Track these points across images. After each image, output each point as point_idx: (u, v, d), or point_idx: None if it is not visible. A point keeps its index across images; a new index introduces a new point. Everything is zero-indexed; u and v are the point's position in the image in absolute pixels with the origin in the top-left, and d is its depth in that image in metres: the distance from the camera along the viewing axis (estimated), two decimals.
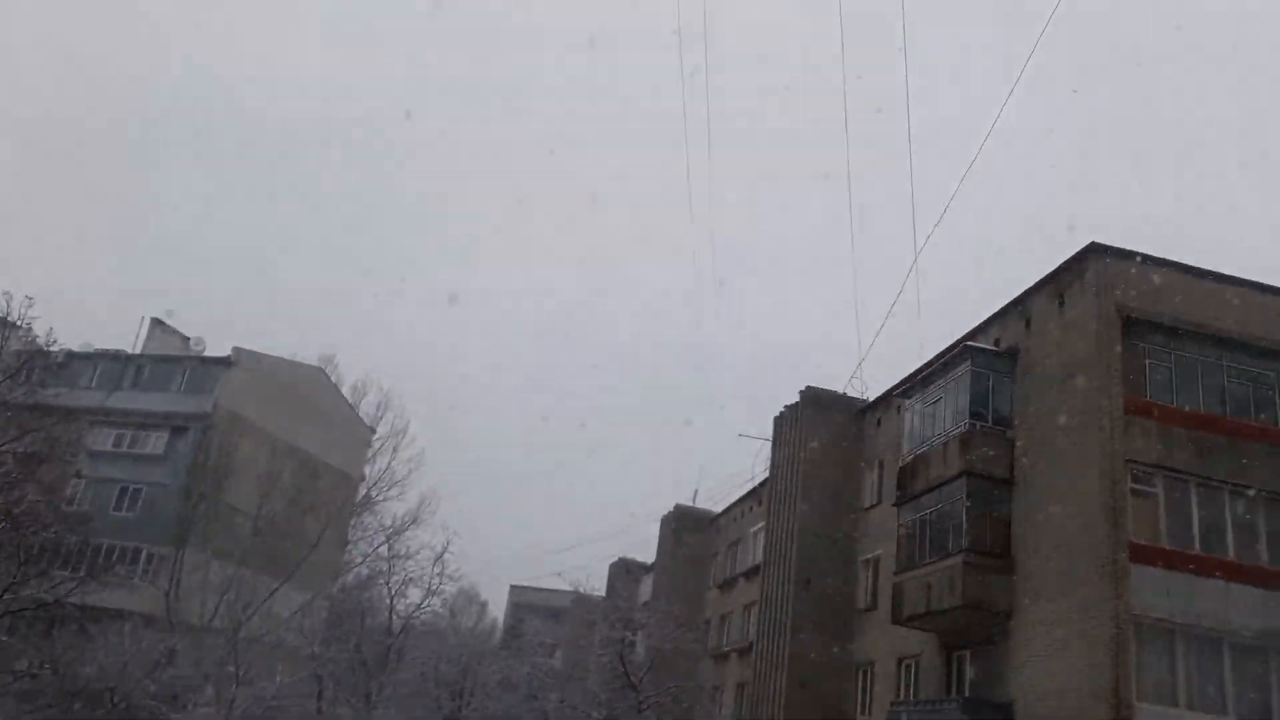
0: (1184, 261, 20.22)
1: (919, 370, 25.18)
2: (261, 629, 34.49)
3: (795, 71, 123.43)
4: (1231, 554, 18.43)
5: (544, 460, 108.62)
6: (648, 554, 47.95)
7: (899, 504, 24.48)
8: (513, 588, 68.53)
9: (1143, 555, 18.07)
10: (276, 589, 37.08)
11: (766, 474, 33.69)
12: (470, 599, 59.12)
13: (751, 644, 32.01)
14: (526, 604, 64.61)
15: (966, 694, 21.30)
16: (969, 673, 21.99)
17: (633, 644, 34.57)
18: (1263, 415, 19.58)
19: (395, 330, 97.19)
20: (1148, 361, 19.64)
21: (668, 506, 45.43)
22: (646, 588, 45.52)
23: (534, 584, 59.49)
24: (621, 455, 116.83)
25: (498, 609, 71.53)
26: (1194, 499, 18.74)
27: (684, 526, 43.66)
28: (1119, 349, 19.32)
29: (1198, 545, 18.45)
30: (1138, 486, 18.65)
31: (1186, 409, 19.33)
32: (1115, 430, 18.77)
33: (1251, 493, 18.80)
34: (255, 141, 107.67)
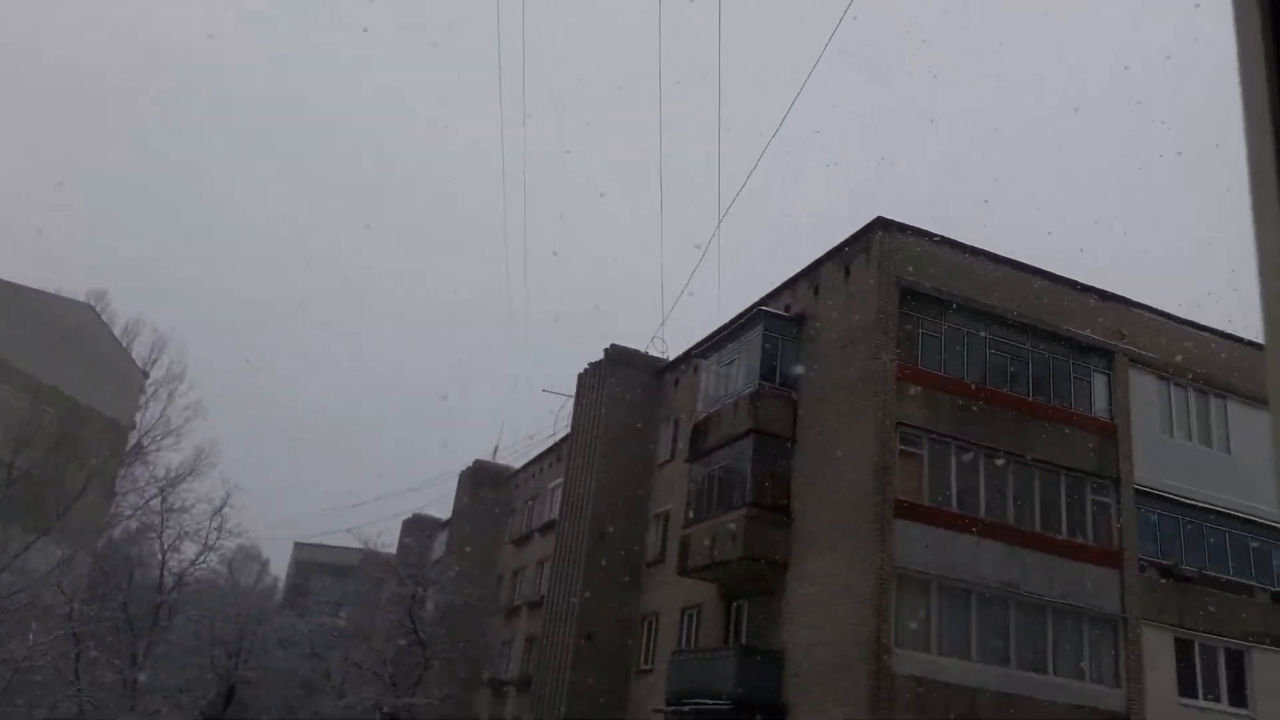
0: (958, 239, 21.65)
1: (716, 332, 25.90)
2: (14, 586, 31.61)
3: (608, 47, 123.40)
4: (983, 512, 20.06)
5: (338, 416, 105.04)
6: (444, 511, 47.41)
7: (691, 460, 25.18)
8: (297, 545, 66.03)
9: (906, 512, 19.38)
10: (32, 543, 34.01)
11: (568, 430, 33.87)
12: (251, 556, 56.43)
13: (543, 598, 32.28)
14: (311, 562, 62.41)
15: (743, 642, 22.29)
16: (747, 622, 23.03)
17: (423, 600, 34.08)
18: (1016, 386, 21.34)
19: (173, 267, 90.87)
20: (921, 331, 20.95)
21: (466, 462, 45.00)
22: (440, 544, 44.95)
23: (322, 541, 57.50)
24: (420, 412, 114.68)
25: (281, 567, 68.85)
26: (954, 461, 20.24)
27: (482, 482, 43.30)
28: (895, 318, 20.52)
29: (955, 504, 19.97)
30: (905, 447, 19.94)
31: (952, 376, 20.79)
32: (888, 394, 19.98)
33: (1001, 458, 20.51)
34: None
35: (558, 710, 27.50)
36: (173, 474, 39.18)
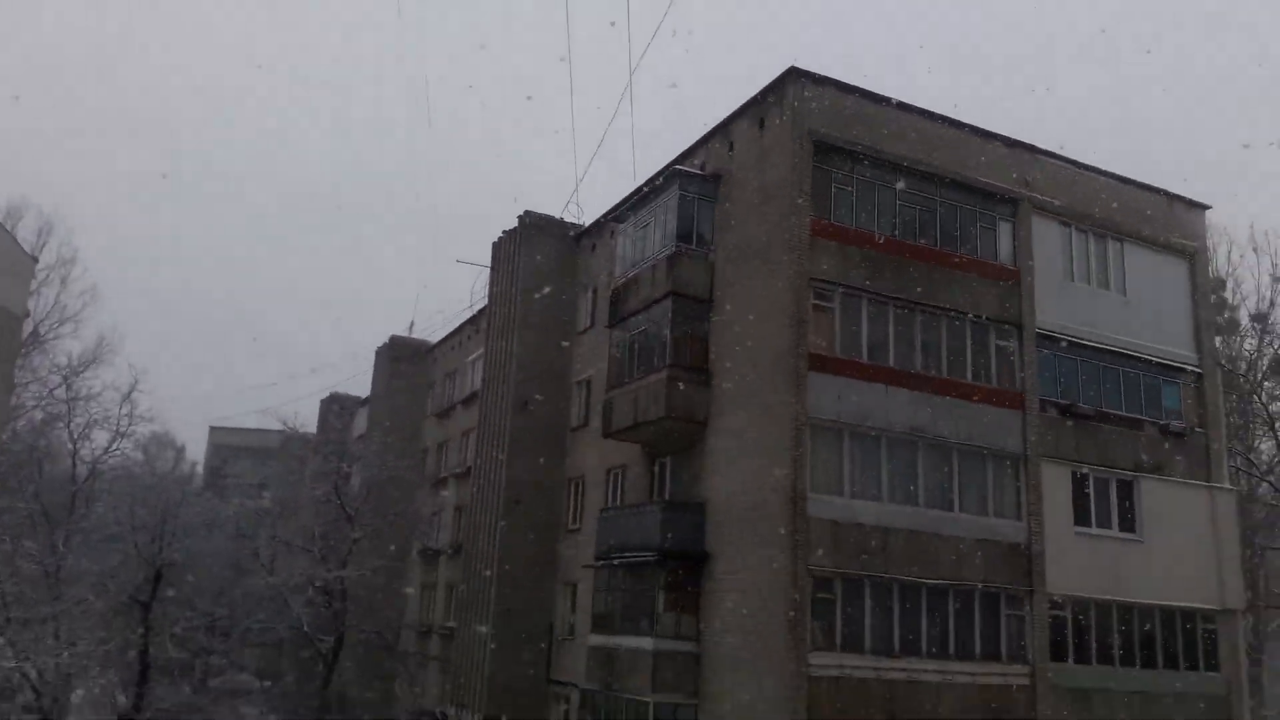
0: (871, 89, 21.49)
1: (631, 195, 25.58)
2: None
3: None
4: (892, 361, 20.64)
5: (244, 295, 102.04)
6: (362, 389, 46.98)
7: (611, 325, 25.22)
8: (213, 429, 64.91)
9: (820, 365, 19.84)
10: None
11: (485, 302, 33.52)
12: (166, 444, 55.46)
13: (469, 469, 32.55)
14: (229, 445, 61.59)
15: (667, 497, 22.93)
16: (669, 478, 23.65)
17: (348, 476, 34.09)
18: (924, 238, 21.69)
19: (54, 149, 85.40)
20: (834, 185, 20.99)
21: (382, 339, 44.40)
22: (361, 421, 44.75)
23: (237, 424, 56.59)
24: (334, 289, 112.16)
25: (198, 454, 67.83)
26: (865, 313, 20.66)
27: (399, 357, 42.90)
28: (809, 173, 20.50)
29: (866, 355, 20.49)
30: (819, 302, 20.25)
31: (864, 230, 21.00)
32: (802, 251, 20.14)
33: (910, 308, 21.00)
34: None
35: (489, 573, 28.16)
36: (75, 362, 37.87)
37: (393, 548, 35.59)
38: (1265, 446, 34.29)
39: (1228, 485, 24.17)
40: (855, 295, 20.60)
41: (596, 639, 23.16)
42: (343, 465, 33.70)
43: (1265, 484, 33.30)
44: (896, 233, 21.35)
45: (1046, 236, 22.98)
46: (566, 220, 30.54)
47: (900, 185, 21.52)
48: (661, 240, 23.67)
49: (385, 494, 34.46)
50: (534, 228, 30.34)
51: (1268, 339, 36.77)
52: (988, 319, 21.76)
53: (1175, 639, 22.17)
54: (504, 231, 31.74)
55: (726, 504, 20.81)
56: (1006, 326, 22.01)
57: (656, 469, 24.28)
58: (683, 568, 21.24)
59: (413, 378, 42.40)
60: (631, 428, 23.33)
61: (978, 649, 20.02)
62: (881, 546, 19.47)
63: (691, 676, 20.64)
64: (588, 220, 30.06)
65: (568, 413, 29.19)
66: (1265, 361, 35.75)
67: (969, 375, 21.38)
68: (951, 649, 19.75)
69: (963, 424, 20.89)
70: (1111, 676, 21.20)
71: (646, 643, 20.98)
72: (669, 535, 21.19)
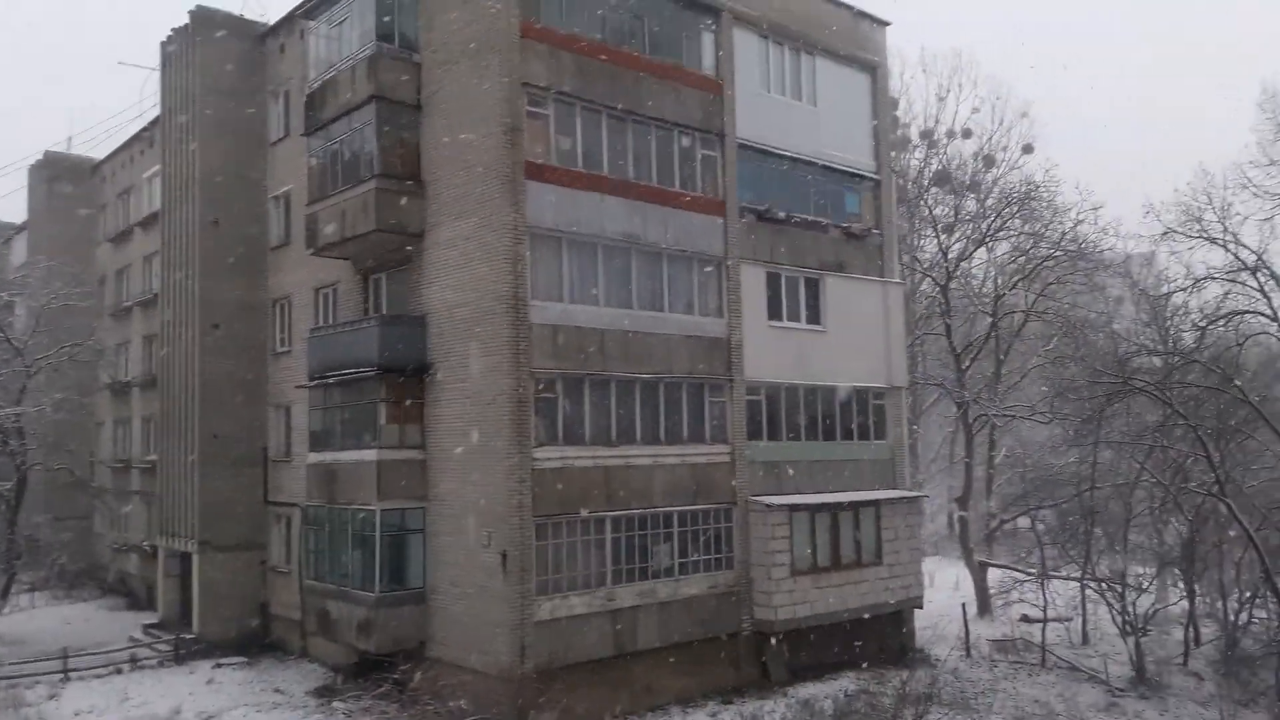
0: None
1: None
2: None
3: None
4: (606, 170, 20.93)
5: None
6: (14, 215, 41.25)
7: (308, 134, 23.53)
8: None
9: (536, 173, 19.75)
10: None
11: (158, 111, 29.97)
12: None
13: (157, 295, 29.94)
14: None
15: (384, 313, 22.39)
16: (386, 293, 23.03)
17: (11, 306, 30.26)
18: (634, 44, 21.72)
19: None
20: None
21: (35, 156, 38.83)
22: (21, 248, 39.50)
23: None
24: None
25: None
26: (579, 120, 20.62)
27: (59, 177, 37.94)
28: None
29: (581, 163, 20.60)
30: (532, 109, 19.92)
31: (574, 34, 20.65)
32: (513, 52, 19.55)
33: (622, 117, 21.19)
34: None
35: (191, 402, 26.52)
36: None
37: (75, 382, 32.59)
38: (929, 247, 38.76)
39: (897, 280, 27.21)
40: (569, 102, 20.44)
41: (316, 457, 22.74)
42: (3, 295, 29.79)
43: (928, 279, 37.81)
44: (606, 38, 21.20)
45: (746, 47, 23.76)
46: (248, 18, 27.62)
47: None
48: (360, 39, 22.08)
49: (59, 325, 31.15)
50: (207, 25, 27.15)
51: (932, 153, 40.90)
52: (693, 128, 22.47)
53: (852, 413, 25.23)
54: (173, 30, 28.23)
55: (448, 315, 20.67)
56: (710, 136, 22.85)
57: (371, 285, 23.53)
58: (405, 380, 21.09)
59: (78, 199, 37.70)
60: (340, 243, 22.30)
61: (685, 433, 21.75)
62: (599, 347, 20.28)
63: (419, 482, 20.94)
64: (272, 18, 27.39)
65: (266, 230, 27.31)
66: (929, 173, 39.90)
67: (677, 184, 22.16)
68: (663, 435, 21.32)
69: (671, 230, 21.79)
70: (798, 448, 23.89)
71: (370, 454, 20.91)
72: (388, 350, 20.86)
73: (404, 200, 21.23)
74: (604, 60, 20.96)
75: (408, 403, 21.16)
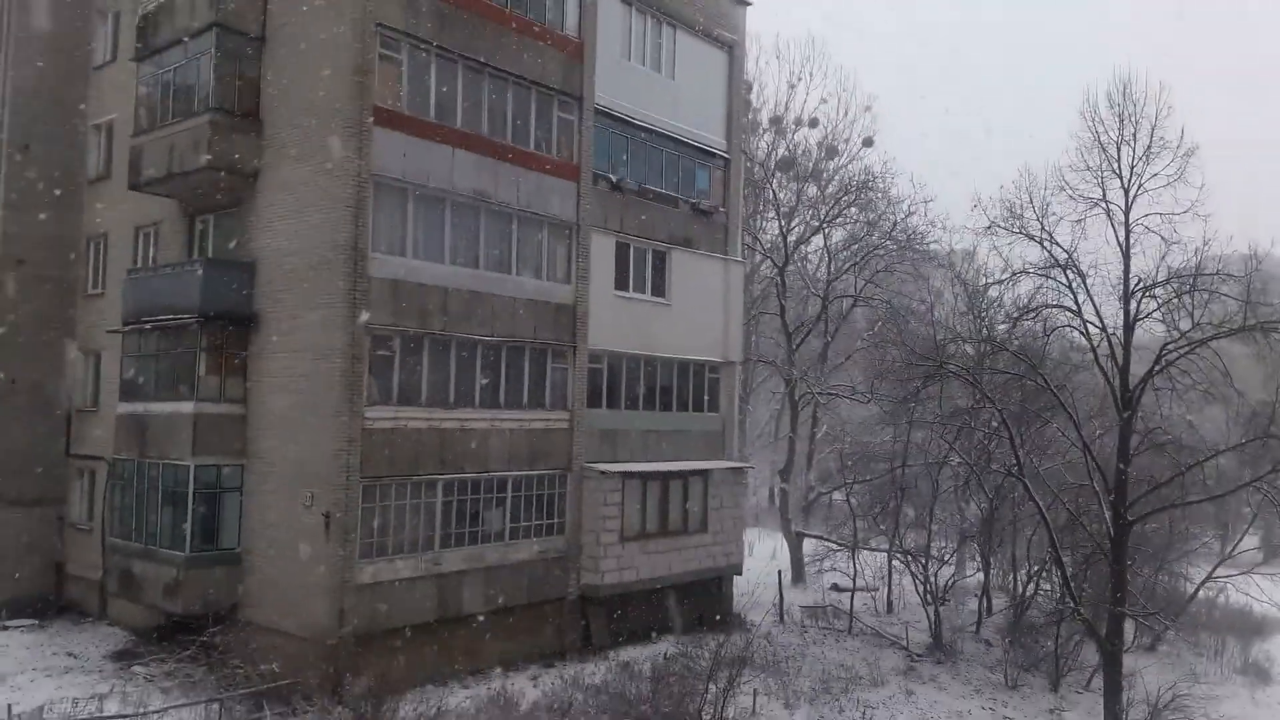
0: None
1: None
2: None
3: None
4: (459, 123, 20.42)
5: None
6: None
7: (139, 59, 21.87)
8: None
9: (385, 120, 19.03)
10: None
11: None
12: None
13: None
14: None
15: (210, 256, 21.18)
16: (212, 237, 21.76)
17: None
18: None
19: None
20: None
21: None
22: None
23: None
24: None
25: None
26: (433, 69, 20.00)
27: None
28: None
29: (433, 114, 20.00)
30: (385, 52, 19.16)
31: None
32: None
33: (480, 69, 20.71)
34: None
35: None
36: None
37: None
38: (770, 229, 39.88)
39: (739, 259, 27.89)
40: (424, 49, 19.78)
41: (127, 407, 21.36)
42: None
43: (767, 260, 38.95)
44: None
45: (609, 12, 23.64)
46: None
47: None
48: None
49: None
50: None
51: (780, 139, 42.02)
52: (552, 89, 22.20)
53: (688, 385, 25.76)
54: None
55: (280, 263, 19.74)
56: (568, 99, 22.65)
57: (198, 227, 22.19)
58: (229, 330, 20.07)
59: None
60: (166, 179, 20.91)
61: (525, 398, 21.65)
62: (441, 306, 19.86)
63: (238, 438, 20.02)
64: None
65: (83, 161, 25.27)
66: (775, 158, 40.99)
67: (532, 144, 21.87)
68: (502, 399, 21.15)
69: (524, 191, 21.52)
70: (635, 418, 24.23)
71: (186, 407, 19.82)
72: (212, 296, 19.80)
73: (240, 138, 20.07)
74: (463, 9, 20.38)
75: (231, 354, 20.15)
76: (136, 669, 19.64)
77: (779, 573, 30.21)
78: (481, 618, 20.61)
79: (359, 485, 18.45)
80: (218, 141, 19.82)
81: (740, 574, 27.00)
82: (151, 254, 23.17)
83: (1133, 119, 23.08)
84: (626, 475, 23.03)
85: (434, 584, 19.73)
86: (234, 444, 19.99)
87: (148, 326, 20.86)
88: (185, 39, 20.52)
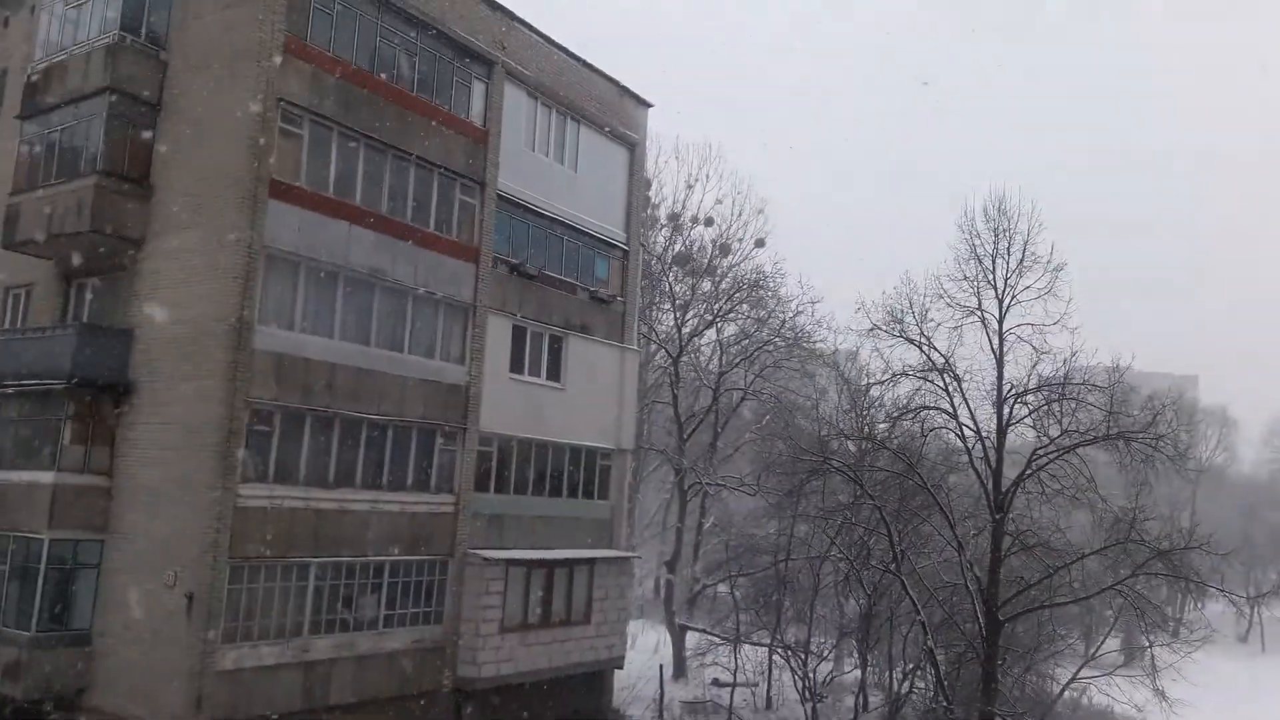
0: None
1: None
2: None
3: None
4: (359, 200, 20.37)
5: None
6: None
7: (24, 117, 21.25)
8: None
9: (281, 193, 18.86)
10: None
11: None
12: None
13: None
14: None
15: (85, 321, 20.37)
16: (89, 302, 20.99)
17: None
18: (402, 80, 21.45)
19: None
20: (313, 4, 19.70)
21: None
22: None
23: None
24: None
25: None
26: (335, 146, 19.99)
27: None
28: None
29: (332, 189, 19.92)
30: (286, 126, 19.10)
31: (341, 58, 20.09)
32: (273, 66, 18.72)
33: (381, 150, 20.79)
34: None
35: None
36: None
37: None
38: (665, 321, 40.59)
39: (635, 347, 28.24)
40: (326, 126, 19.79)
41: None
42: None
43: (662, 351, 39.52)
44: (375, 69, 20.81)
45: (515, 103, 24.12)
46: None
47: (381, 20, 20.92)
48: (101, 24, 20.40)
49: None
50: None
51: (676, 235, 43.11)
52: (455, 173, 22.40)
53: (579, 472, 25.65)
54: None
55: (161, 332, 19.11)
56: (471, 183, 22.88)
57: (74, 291, 21.39)
58: (99, 398, 19.23)
59: None
60: (45, 241, 20.19)
61: (409, 480, 21.19)
62: (328, 382, 19.46)
63: (100, 512, 19.03)
64: None
65: None
66: (672, 253, 41.97)
67: (432, 225, 21.93)
68: (385, 480, 20.66)
69: (421, 271, 21.48)
70: (523, 503, 23.92)
71: (46, 477, 18.80)
72: (85, 361, 18.98)
73: (127, 203, 19.58)
74: (369, 90, 20.52)
75: (99, 423, 19.25)
76: None
77: (660, 667, 29.90)
78: (350, 709, 19.72)
79: (226, 565, 17.64)
80: (103, 205, 19.29)
81: (621, 667, 26.59)
82: (21, 316, 22.14)
83: (1007, 234, 24.58)
84: (511, 562, 22.63)
85: (300, 672, 18.85)
86: (95, 518, 18.95)
87: (9, 390, 19.81)
88: (76, 100, 20.09)
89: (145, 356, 19.23)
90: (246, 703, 17.86)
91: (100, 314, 20.43)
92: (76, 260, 20.66)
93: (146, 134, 20.00)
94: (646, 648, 34.07)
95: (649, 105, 28.74)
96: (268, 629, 18.39)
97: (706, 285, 41.28)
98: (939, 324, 25.47)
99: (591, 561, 25.00)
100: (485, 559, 22.11)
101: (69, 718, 18.21)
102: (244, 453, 18.03)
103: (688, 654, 32.78)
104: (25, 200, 20.60)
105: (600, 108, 26.73)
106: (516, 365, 23.91)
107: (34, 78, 21.23)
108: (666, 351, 38.57)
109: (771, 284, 39.26)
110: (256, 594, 18.23)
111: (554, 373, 25.02)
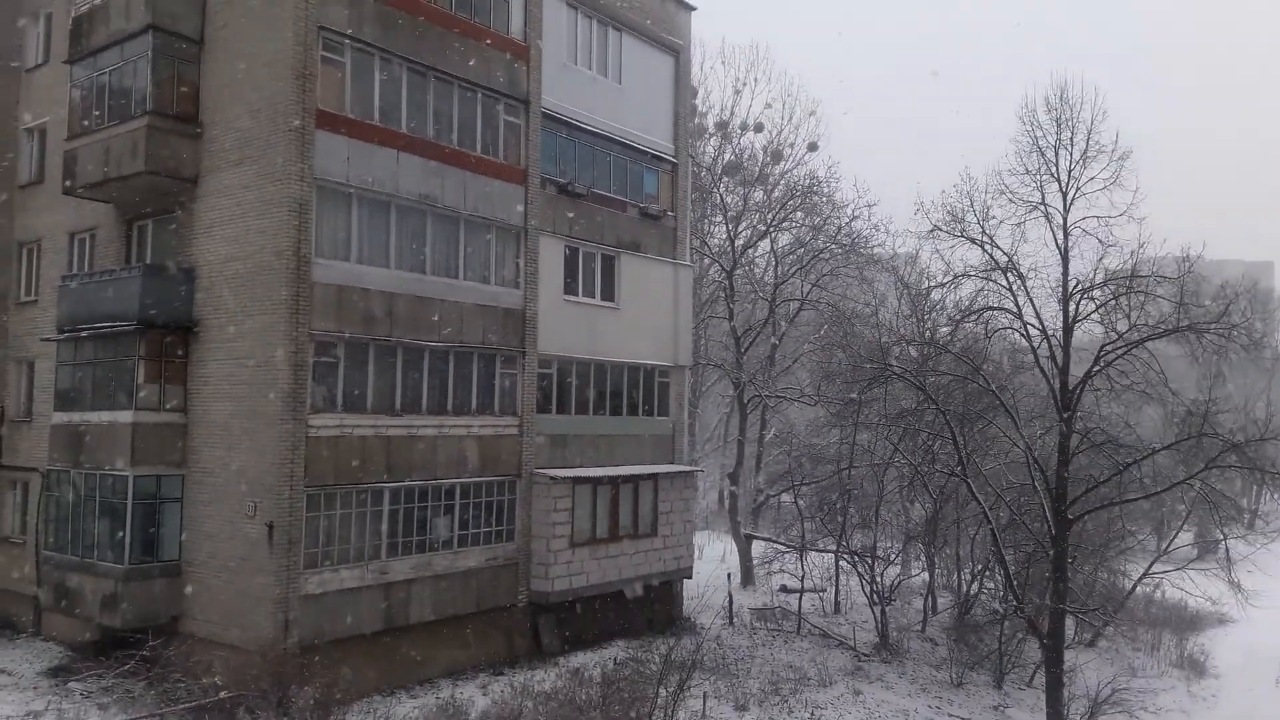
0: None
1: None
2: None
3: None
4: (404, 127, 20.23)
5: None
6: None
7: (72, 61, 21.35)
8: None
9: (328, 123, 18.81)
10: None
11: None
12: None
13: None
14: None
15: (148, 262, 20.72)
16: (151, 243, 21.32)
17: None
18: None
19: None
20: None
21: None
22: None
23: None
24: None
25: None
26: (377, 72, 19.80)
27: None
28: None
29: (378, 117, 19.79)
30: (328, 55, 18.93)
31: None
32: None
33: (424, 72, 20.55)
34: None
35: None
36: None
37: None
38: (718, 234, 40.09)
39: (688, 263, 27.99)
40: (367, 52, 19.57)
41: (62, 417, 20.81)
42: None
43: (715, 265, 39.14)
44: None
45: (555, 15, 23.58)
46: None
47: None
48: None
49: None
50: None
51: (726, 144, 42.27)
52: (498, 93, 22.08)
53: (638, 390, 25.78)
54: None
55: (221, 269, 19.40)
56: (514, 102, 22.56)
57: (135, 233, 21.73)
58: (168, 337, 19.65)
59: None
60: (102, 184, 20.45)
61: (474, 404, 21.49)
62: (387, 311, 19.65)
63: (178, 448, 19.63)
64: None
65: (15, 166, 24.59)
66: (721, 163, 41.22)
67: (479, 148, 21.74)
68: (450, 405, 20.96)
69: (471, 195, 21.39)
70: (585, 423, 24.18)
71: (125, 416, 19.36)
72: (151, 303, 19.38)
73: (179, 142, 19.70)
74: (407, 11, 20.19)
75: (170, 362, 19.72)
76: (73, 685, 19.10)
77: (728, 575, 30.35)
78: (430, 626, 20.41)
79: (303, 494, 18.17)
80: (155, 145, 19.42)
81: (690, 577, 27.06)
82: (87, 260, 22.61)
83: (1069, 124, 23.61)
84: (577, 480, 22.97)
85: (381, 593, 19.49)
86: (174, 453, 19.59)
87: (84, 334, 20.35)
88: (121, 41, 20.10)
89: (208, 294, 19.57)
90: (331, 625, 18.56)
91: (161, 254, 20.76)
92: (135, 202, 20.97)
93: (192, 71, 20.01)
94: (714, 557, 34.58)
95: (692, 8, 27.92)
96: (347, 553, 18.99)
97: (759, 194, 40.60)
98: (1001, 221, 24.75)
99: (654, 476, 25.27)
100: (551, 478, 22.46)
101: (165, 644, 19.08)
102: (311, 384, 18.40)
103: (754, 562, 33.18)
104: (81, 145, 20.84)
105: (641, 14, 26.03)
106: (570, 287, 23.86)
107: (79, 21, 21.27)
108: (720, 265, 38.18)
109: (826, 189, 38.48)
110: (334, 520, 18.79)
111: (608, 293, 24.94)
